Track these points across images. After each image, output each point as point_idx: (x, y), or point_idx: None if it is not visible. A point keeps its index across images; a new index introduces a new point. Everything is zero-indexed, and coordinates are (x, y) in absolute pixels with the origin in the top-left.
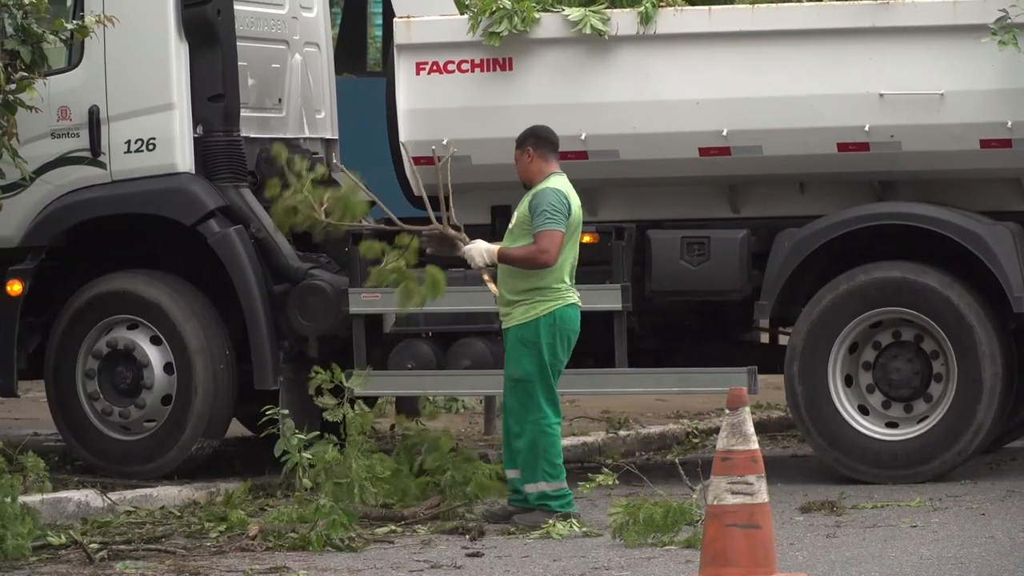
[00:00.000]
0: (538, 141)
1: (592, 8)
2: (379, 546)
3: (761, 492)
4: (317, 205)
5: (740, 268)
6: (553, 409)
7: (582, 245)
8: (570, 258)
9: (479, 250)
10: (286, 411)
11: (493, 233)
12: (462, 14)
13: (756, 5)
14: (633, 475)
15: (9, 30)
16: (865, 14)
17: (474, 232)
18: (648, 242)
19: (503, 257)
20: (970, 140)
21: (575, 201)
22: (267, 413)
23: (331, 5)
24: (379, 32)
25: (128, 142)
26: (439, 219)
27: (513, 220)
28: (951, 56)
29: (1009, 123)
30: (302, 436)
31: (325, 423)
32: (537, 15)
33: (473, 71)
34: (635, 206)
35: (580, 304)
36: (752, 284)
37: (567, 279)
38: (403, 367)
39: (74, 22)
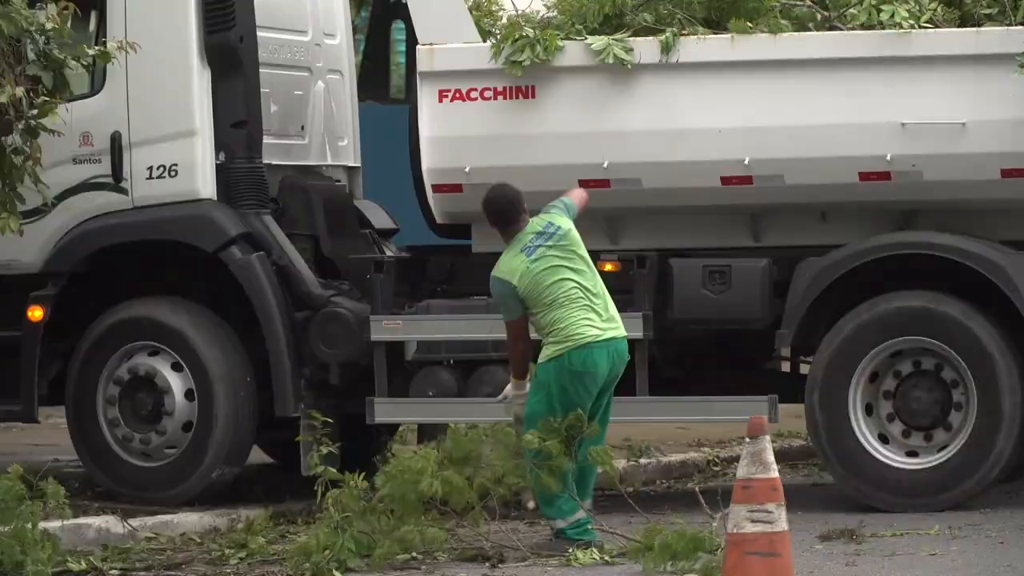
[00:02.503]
0: (487, 215)
1: (615, 37)
2: (397, 573)
3: (781, 520)
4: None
5: (761, 297)
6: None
7: (603, 274)
8: (573, 296)
9: (514, 396)
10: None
11: None
12: (485, 42)
13: (779, 34)
14: (653, 503)
15: (31, 55)
16: (887, 43)
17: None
18: (670, 270)
19: (517, 375)
20: (991, 169)
21: (519, 268)
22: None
23: (355, 32)
24: (403, 59)
25: (150, 168)
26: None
27: None
28: (973, 85)
29: None
30: (333, 449)
31: (347, 451)
32: (560, 43)
33: (496, 99)
34: (657, 234)
35: (605, 337)
36: (773, 313)
37: (579, 317)
38: (424, 395)
39: (96, 48)
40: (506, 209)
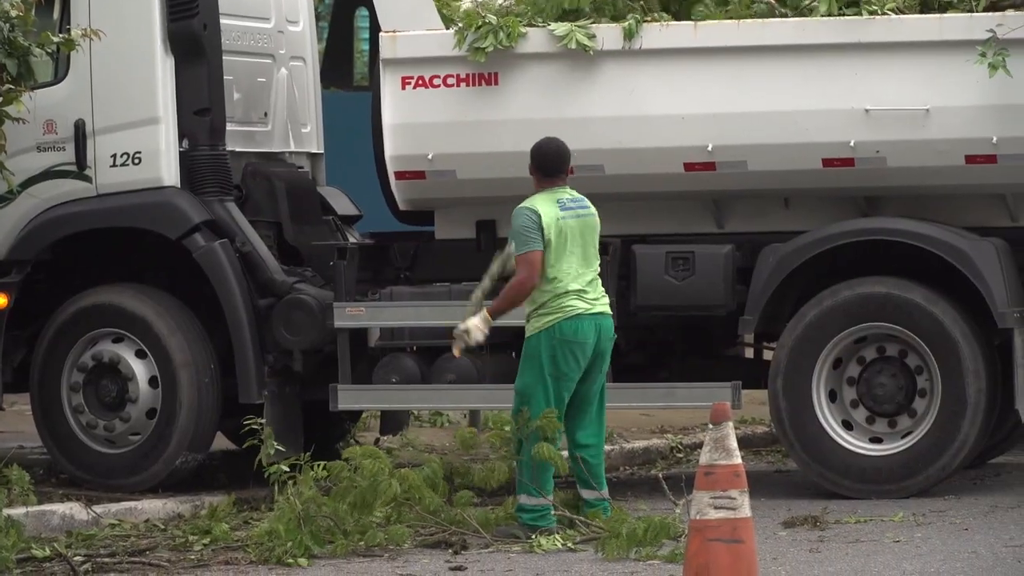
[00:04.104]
0: (532, 158)
1: (578, 23)
2: (361, 560)
3: (744, 507)
4: None
5: (725, 283)
6: None
7: None
8: (570, 268)
9: (475, 326)
10: (263, 421)
11: (479, 247)
12: (448, 29)
13: (742, 20)
14: (617, 490)
15: None
16: (850, 30)
17: (460, 246)
18: (633, 257)
19: (497, 312)
20: (955, 156)
21: (551, 212)
22: (248, 424)
23: (318, 19)
24: (366, 46)
25: (114, 156)
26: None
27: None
28: (936, 72)
29: (994, 139)
30: (280, 448)
31: (310, 437)
32: (523, 30)
33: (459, 86)
34: (620, 221)
35: (594, 311)
36: (737, 299)
37: (574, 288)
38: (388, 381)
39: (60, 35)
40: (556, 162)
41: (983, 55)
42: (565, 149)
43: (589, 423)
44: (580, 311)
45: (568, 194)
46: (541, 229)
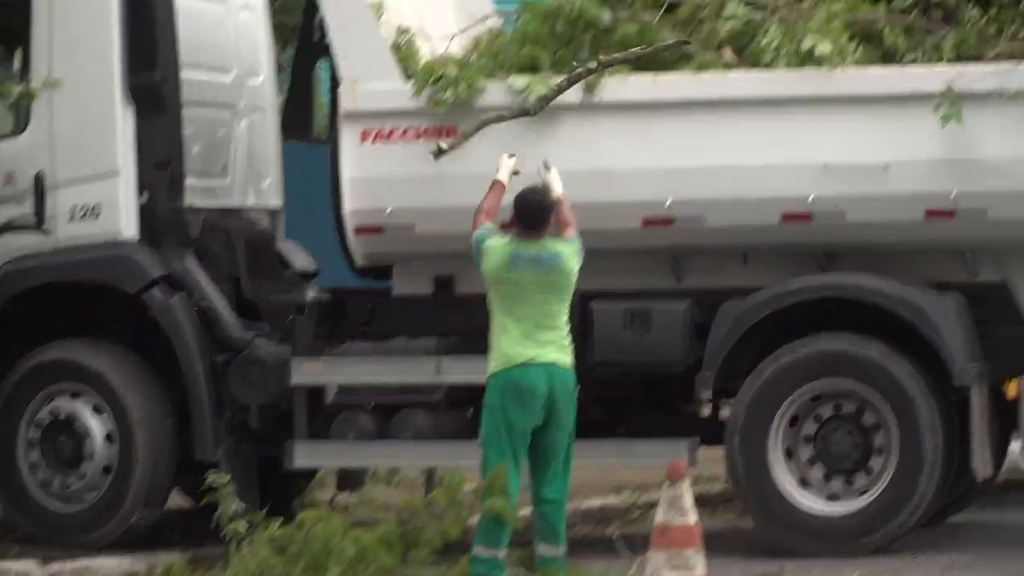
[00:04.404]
0: (516, 208)
1: (537, 76)
2: None
3: (699, 566)
4: None
5: (682, 339)
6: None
7: None
8: (521, 317)
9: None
10: (226, 480)
11: (437, 303)
12: (408, 81)
13: (701, 73)
14: (572, 549)
15: None
16: (810, 83)
17: (418, 302)
18: (591, 313)
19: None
20: (914, 210)
21: (497, 259)
22: (207, 480)
23: (279, 70)
24: (327, 98)
25: (73, 209)
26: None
27: None
28: (896, 126)
29: (953, 193)
30: (238, 507)
31: (267, 494)
32: (483, 83)
33: (418, 139)
34: (579, 276)
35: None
36: (694, 355)
37: (524, 337)
38: (344, 438)
39: (20, 86)
40: (527, 215)
41: (938, 107)
42: (542, 204)
43: (553, 478)
44: (528, 359)
45: (536, 248)
46: (480, 262)
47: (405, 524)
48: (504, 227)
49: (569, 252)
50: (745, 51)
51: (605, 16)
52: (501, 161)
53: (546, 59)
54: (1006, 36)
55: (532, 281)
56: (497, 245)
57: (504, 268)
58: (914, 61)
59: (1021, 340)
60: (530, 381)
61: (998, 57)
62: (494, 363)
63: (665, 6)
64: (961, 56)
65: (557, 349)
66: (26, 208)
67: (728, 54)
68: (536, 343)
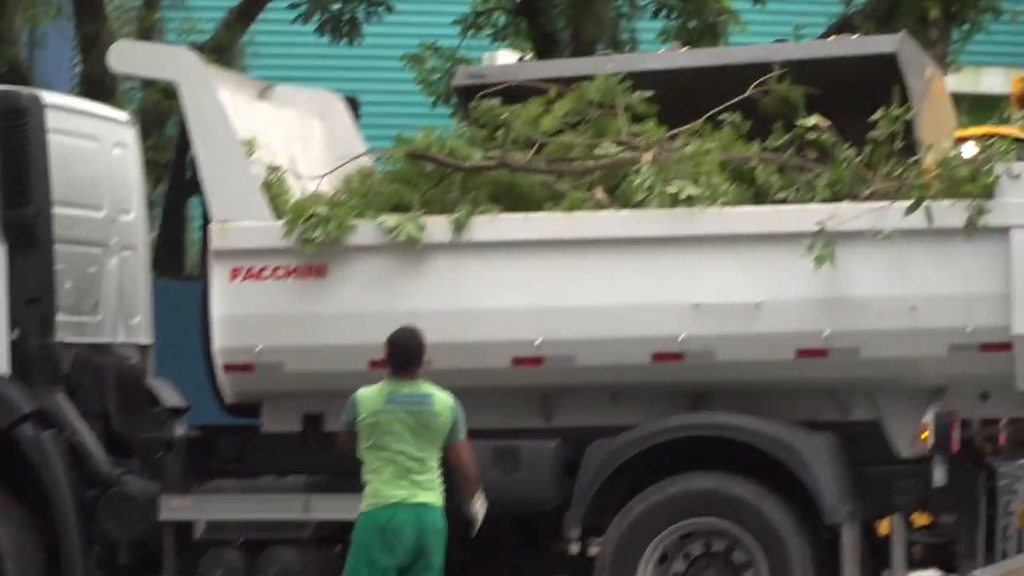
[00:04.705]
0: (388, 346)
1: (407, 215)
2: None
3: None
4: None
5: (551, 478)
6: None
7: None
8: (394, 458)
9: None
10: None
11: (306, 441)
12: (278, 219)
13: (572, 213)
14: None
15: None
16: (681, 222)
17: (287, 439)
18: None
19: None
20: (786, 350)
21: (372, 405)
22: None
23: (151, 207)
24: (198, 235)
25: None
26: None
27: None
28: (767, 265)
29: (825, 333)
30: None
31: None
32: (352, 222)
33: (287, 278)
34: None
35: (415, 501)
36: (564, 494)
37: (395, 478)
38: (212, 574)
39: None
40: (399, 357)
41: (811, 248)
42: (414, 344)
43: None
44: (398, 500)
45: (409, 388)
46: (354, 416)
47: None
48: (374, 365)
49: (443, 399)
50: (616, 191)
51: (475, 156)
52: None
53: (416, 199)
54: (880, 175)
55: (404, 421)
56: (370, 390)
57: (378, 408)
58: (786, 200)
59: (893, 478)
60: (398, 522)
61: (872, 196)
62: (365, 502)
63: (536, 146)
64: (835, 195)
65: (427, 490)
66: None
67: (599, 193)
68: (407, 484)
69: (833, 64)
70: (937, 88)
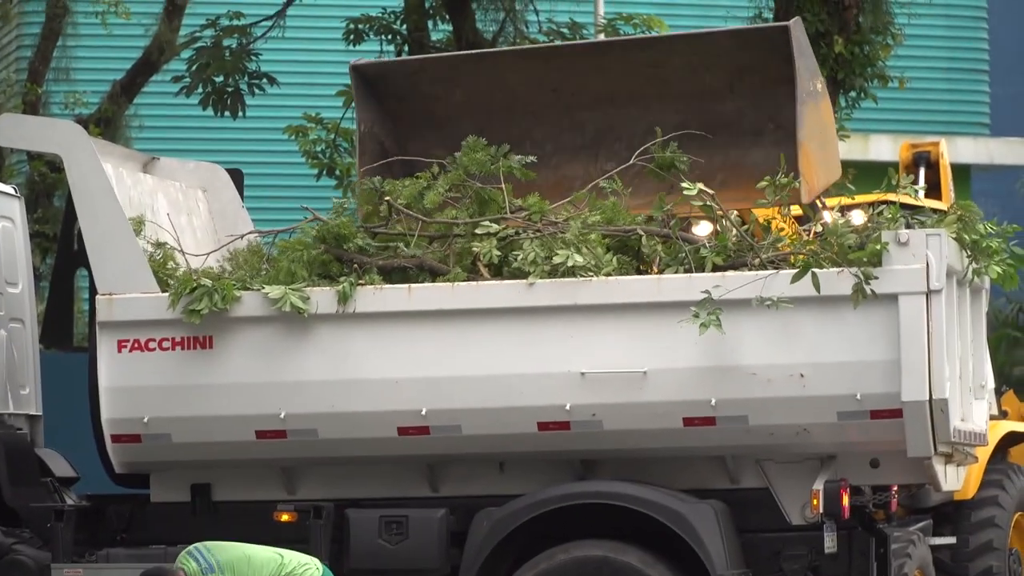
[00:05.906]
0: None
1: (292, 286)
2: None
3: None
4: None
5: (439, 547)
6: None
7: (279, 524)
8: None
9: None
10: None
11: (194, 511)
12: (164, 291)
13: (456, 284)
14: None
15: None
16: (565, 292)
17: (175, 509)
18: (347, 521)
19: None
20: (673, 418)
21: None
22: None
23: (38, 280)
24: (86, 306)
25: None
26: None
27: None
28: (654, 334)
29: (713, 401)
30: None
31: None
32: (237, 293)
33: (174, 349)
34: (334, 485)
35: None
36: (451, 563)
37: None
38: None
39: None
40: None
41: (696, 315)
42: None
43: None
44: None
45: None
46: None
47: None
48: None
49: None
50: (502, 267)
51: (359, 239)
52: None
53: (303, 273)
54: (767, 244)
55: None
56: None
57: None
58: (669, 267)
59: (783, 545)
60: None
61: (758, 265)
62: None
63: (420, 225)
64: (721, 264)
65: None
66: None
67: (482, 270)
68: None
69: (730, 38)
70: (824, 107)
